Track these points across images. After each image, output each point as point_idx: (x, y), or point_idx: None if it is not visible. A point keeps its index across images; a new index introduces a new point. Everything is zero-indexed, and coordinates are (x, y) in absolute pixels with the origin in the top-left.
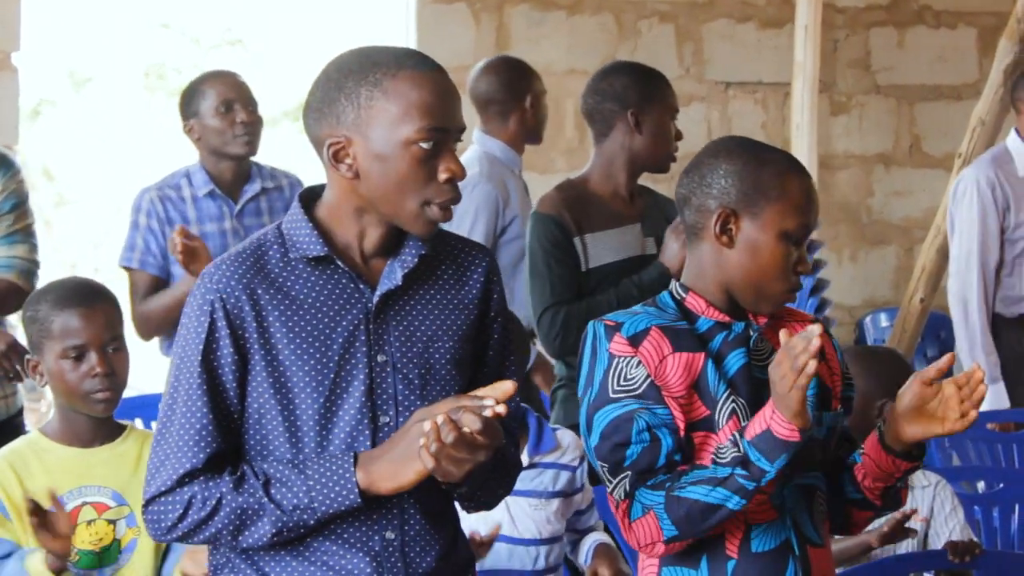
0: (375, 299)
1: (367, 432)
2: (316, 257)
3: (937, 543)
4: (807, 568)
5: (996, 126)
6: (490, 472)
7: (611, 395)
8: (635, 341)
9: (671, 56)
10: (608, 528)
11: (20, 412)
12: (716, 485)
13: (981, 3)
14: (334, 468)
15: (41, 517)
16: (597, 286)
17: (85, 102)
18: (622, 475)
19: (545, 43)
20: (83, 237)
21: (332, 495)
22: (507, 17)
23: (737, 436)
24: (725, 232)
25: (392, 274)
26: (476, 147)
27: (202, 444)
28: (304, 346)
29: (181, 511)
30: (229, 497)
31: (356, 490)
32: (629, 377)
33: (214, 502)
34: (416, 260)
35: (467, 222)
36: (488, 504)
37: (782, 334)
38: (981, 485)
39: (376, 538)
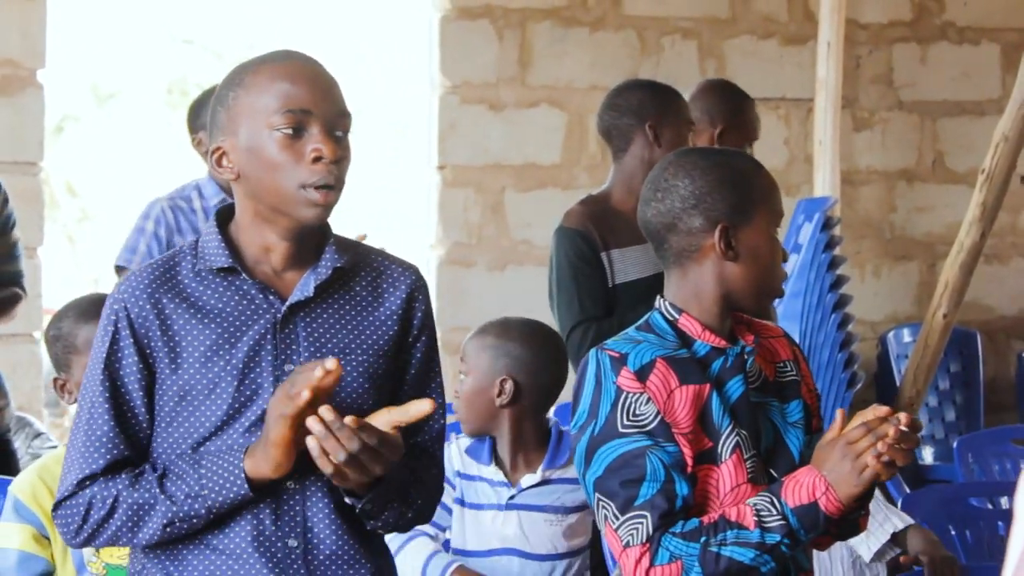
0: (283, 309)
1: None
2: (223, 268)
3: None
4: None
5: (1019, 142)
6: (397, 492)
7: (620, 429)
8: (642, 375)
9: (694, 72)
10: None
11: (9, 431)
12: (764, 552)
13: (1004, 19)
14: (225, 458)
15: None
16: (622, 302)
17: (108, 118)
18: (635, 515)
19: (567, 59)
20: (106, 252)
21: (221, 482)
22: (530, 33)
23: (775, 500)
24: (730, 247)
25: (306, 285)
26: None
27: (103, 451)
28: (208, 354)
29: (83, 512)
30: (125, 494)
31: (243, 477)
32: (638, 413)
33: (111, 500)
34: (330, 272)
35: None
36: (399, 527)
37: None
38: (1004, 501)
39: (279, 544)
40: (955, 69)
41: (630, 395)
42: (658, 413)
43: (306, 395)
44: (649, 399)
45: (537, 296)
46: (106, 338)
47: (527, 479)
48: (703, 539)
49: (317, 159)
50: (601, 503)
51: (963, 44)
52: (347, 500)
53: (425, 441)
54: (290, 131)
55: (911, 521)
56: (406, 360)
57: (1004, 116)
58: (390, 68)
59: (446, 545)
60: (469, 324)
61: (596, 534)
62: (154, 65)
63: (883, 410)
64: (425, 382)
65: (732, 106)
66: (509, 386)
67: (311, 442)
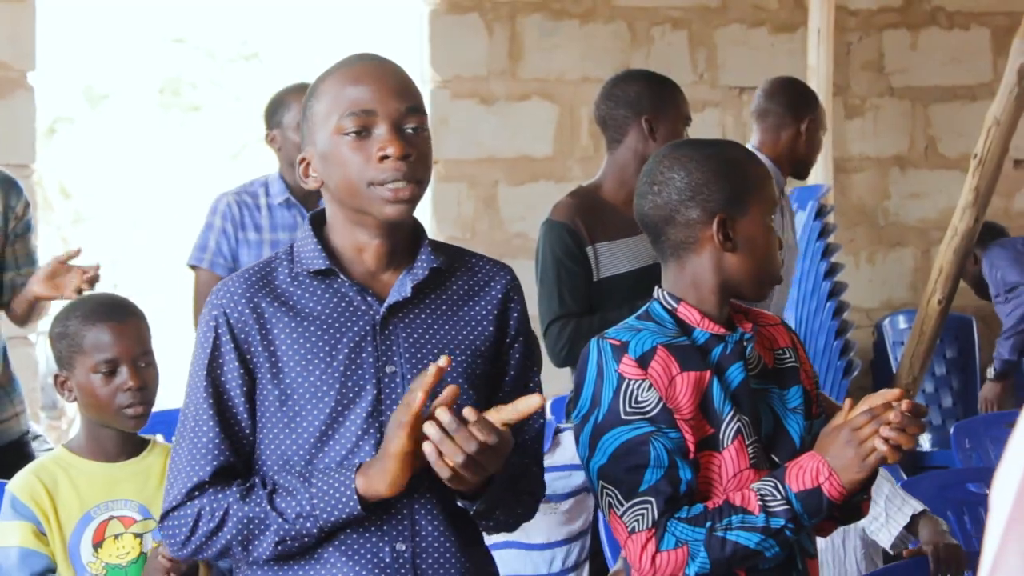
0: (382, 310)
1: (372, 442)
2: (320, 271)
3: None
4: None
5: (1011, 126)
6: (507, 490)
7: (623, 416)
8: (643, 362)
9: (684, 62)
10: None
11: (26, 433)
12: (769, 536)
13: (994, 3)
14: (337, 476)
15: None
16: (608, 295)
17: (101, 119)
18: (640, 500)
19: (558, 52)
20: (101, 254)
21: (333, 502)
22: (520, 26)
23: (779, 485)
24: (728, 239)
25: (403, 286)
26: None
27: (209, 458)
28: (309, 357)
29: (192, 523)
30: (236, 507)
31: (355, 496)
32: (640, 400)
33: (222, 513)
34: (427, 272)
35: None
36: (509, 525)
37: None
38: None
39: (386, 549)
40: (946, 54)
41: (632, 382)
42: (660, 399)
43: (420, 396)
44: (651, 386)
45: (533, 289)
46: (206, 345)
47: None
48: (708, 524)
49: (384, 158)
50: (605, 490)
51: (953, 29)
52: (460, 503)
53: (527, 440)
54: (356, 132)
55: (926, 506)
56: (504, 362)
57: (995, 100)
58: None
59: None
60: None
61: (593, 523)
62: (146, 65)
63: (892, 394)
64: (525, 383)
65: (811, 100)
66: None
67: (427, 447)
